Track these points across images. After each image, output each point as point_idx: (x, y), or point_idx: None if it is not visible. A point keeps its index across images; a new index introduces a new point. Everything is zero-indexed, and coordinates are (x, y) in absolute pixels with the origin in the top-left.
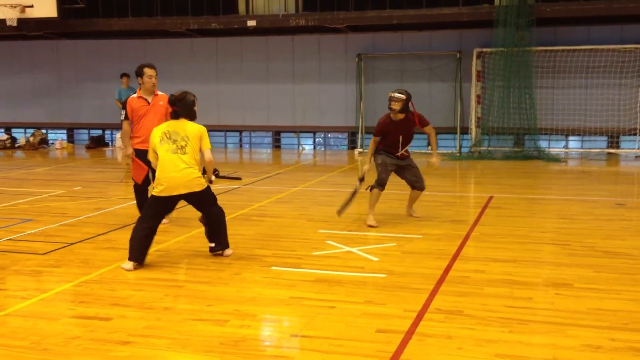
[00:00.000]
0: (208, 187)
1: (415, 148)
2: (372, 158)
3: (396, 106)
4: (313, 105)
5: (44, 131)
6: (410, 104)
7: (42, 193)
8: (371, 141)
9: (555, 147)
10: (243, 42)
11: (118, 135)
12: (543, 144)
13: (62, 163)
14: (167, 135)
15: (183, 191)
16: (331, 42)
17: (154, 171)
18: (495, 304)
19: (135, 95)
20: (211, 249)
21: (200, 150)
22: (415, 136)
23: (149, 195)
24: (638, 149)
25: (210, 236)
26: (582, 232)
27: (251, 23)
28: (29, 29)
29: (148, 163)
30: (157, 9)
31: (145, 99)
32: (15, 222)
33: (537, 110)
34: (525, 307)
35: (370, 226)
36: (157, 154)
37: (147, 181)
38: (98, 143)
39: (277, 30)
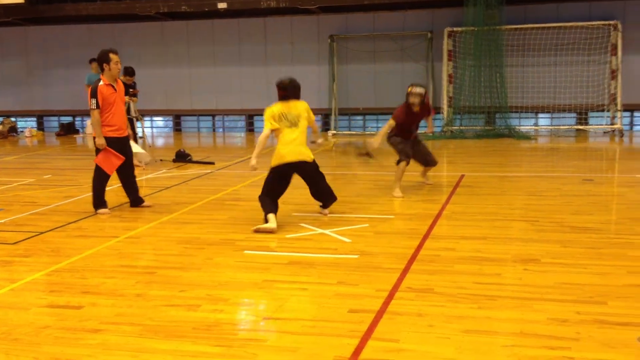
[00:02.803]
0: (315, 161)
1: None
2: (384, 139)
3: (416, 100)
4: None
5: (13, 119)
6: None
7: (11, 182)
8: (387, 124)
9: (526, 125)
10: (214, 25)
11: (89, 122)
12: (513, 122)
13: (32, 151)
14: (284, 116)
15: (293, 158)
16: (303, 23)
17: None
18: (464, 281)
19: (102, 82)
20: (321, 207)
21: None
22: None
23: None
24: (606, 125)
25: (318, 198)
26: (550, 208)
27: (222, 5)
28: None
29: (123, 152)
30: None
31: (112, 86)
32: None
33: (507, 89)
34: (494, 283)
35: (396, 197)
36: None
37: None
38: (68, 130)
39: (249, 12)
